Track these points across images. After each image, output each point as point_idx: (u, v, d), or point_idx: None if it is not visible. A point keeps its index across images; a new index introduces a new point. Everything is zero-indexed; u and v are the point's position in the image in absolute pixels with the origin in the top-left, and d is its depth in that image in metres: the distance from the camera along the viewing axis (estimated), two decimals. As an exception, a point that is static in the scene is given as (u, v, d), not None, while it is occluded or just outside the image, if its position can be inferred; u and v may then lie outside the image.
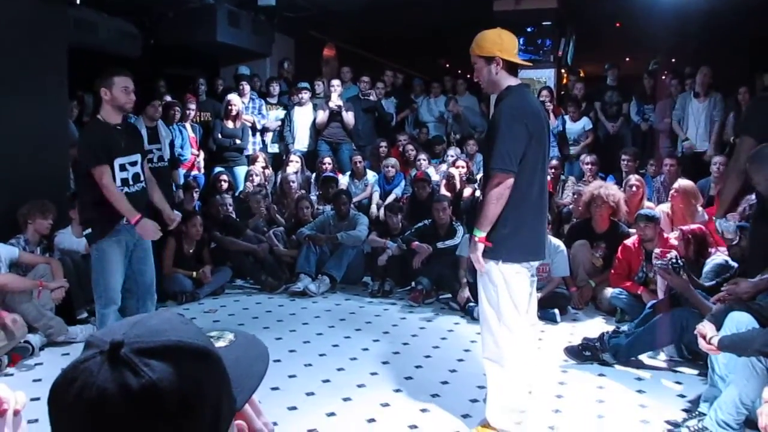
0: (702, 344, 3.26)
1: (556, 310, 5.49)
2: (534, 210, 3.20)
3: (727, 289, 3.81)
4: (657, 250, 4.86)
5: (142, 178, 4.19)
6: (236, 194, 7.80)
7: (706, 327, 3.28)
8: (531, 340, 3.43)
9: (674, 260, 4.51)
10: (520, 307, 3.21)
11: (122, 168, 4.05)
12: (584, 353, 4.44)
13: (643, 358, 4.47)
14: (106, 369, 0.74)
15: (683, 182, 6.14)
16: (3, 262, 4.73)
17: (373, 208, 7.85)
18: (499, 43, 3.17)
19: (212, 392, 0.80)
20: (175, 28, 8.30)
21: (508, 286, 3.18)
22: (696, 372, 4.23)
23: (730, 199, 4.44)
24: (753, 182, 3.95)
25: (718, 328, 3.28)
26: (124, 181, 4.06)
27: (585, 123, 8.35)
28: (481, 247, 3.15)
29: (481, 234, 3.15)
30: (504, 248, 3.16)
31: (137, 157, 4.16)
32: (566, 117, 8.35)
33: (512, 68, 3.23)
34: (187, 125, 8.00)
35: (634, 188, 6.44)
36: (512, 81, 3.22)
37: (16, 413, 0.84)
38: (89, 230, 4.10)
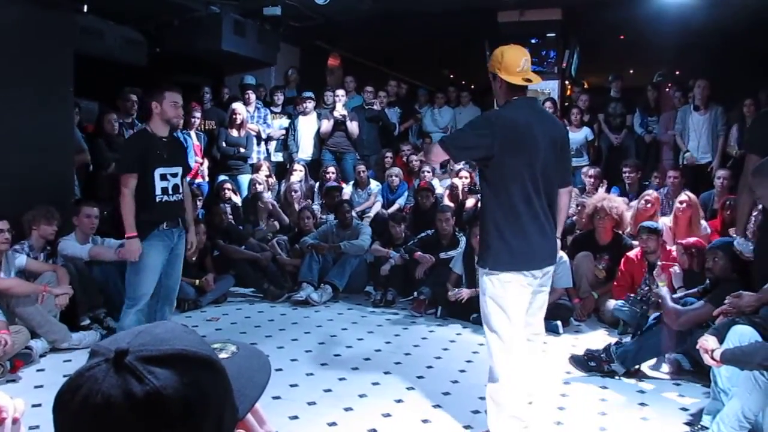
0: (705, 358, 3.26)
1: (559, 322, 5.48)
2: (522, 219, 3.16)
3: (730, 302, 3.80)
4: (660, 263, 4.88)
5: (180, 190, 4.44)
6: (240, 203, 7.83)
7: (708, 340, 3.27)
8: (529, 350, 3.41)
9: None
10: (512, 317, 3.18)
11: (163, 177, 4.30)
12: (589, 363, 4.44)
13: (646, 370, 4.46)
14: (111, 376, 0.75)
15: (692, 195, 6.14)
16: (12, 269, 4.75)
17: (371, 214, 7.83)
18: (500, 61, 3.24)
19: (215, 401, 0.81)
20: (181, 37, 8.33)
21: (497, 296, 3.18)
22: (698, 385, 4.21)
23: (745, 217, 4.44)
24: (756, 196, 3.95)
25: (721, 341, 3.28)
26: (164, 190, 4.32)
27: (587, 133, 8.37)
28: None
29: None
30: (490, 257, 3.19)
31: (179, 169, 4.43)
32: (568, 128, 8.35)
33: (515, 86, 3.26)
34: (192, 133, 8.02)
35: (649, 204, 6.37)
36: (514, 96, 3.28)
37: (15, 421, 0.85)
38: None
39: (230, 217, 7.28)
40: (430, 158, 3.58)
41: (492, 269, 3.18)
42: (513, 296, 3.19)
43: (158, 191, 4.27)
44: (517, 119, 3.19)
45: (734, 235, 4.45)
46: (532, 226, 3.19)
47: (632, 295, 5.19)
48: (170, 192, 4.34)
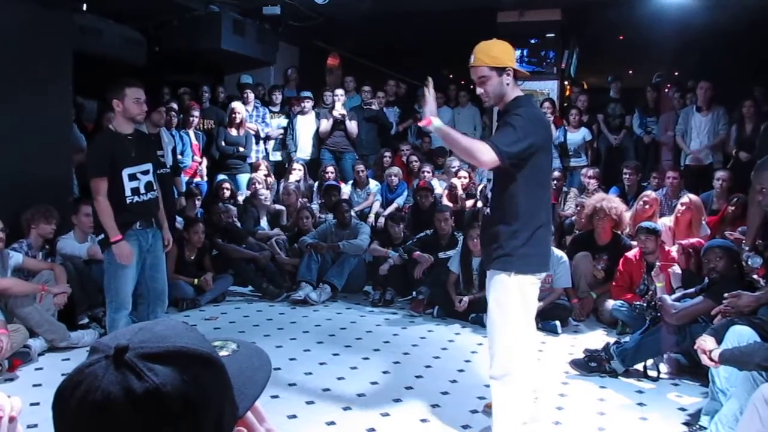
0: (703, 358, 3.26)
1: (557, 322, 5.48)
2: (543, 221, 3.18)
3: (728, 302, 3.81)
4: (658, 264, 4.89)
5: (155, 187, 4.26)
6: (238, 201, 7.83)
7: (706, 341, 3.28)
8: (534, 351, 3.48)
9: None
10: (531, 319, 3.21)
11: (132, 177, 4.12)
12: (590, 364, 4.44)
13: (646, 369, 4.46)
14: (111, 373, 0.75)
15: (694, 197, 6.14)
16: (8, 268, 4.74)
17: (371, 217, 7.82)
18: (509, 53, 3.16)
19: (215, 398, 0.81)
20: (181, 36, 8.32)
21: (523, 299, 3.15)
22: (697, 385, 4.21)
23: (756, 228, 4.44)
24: (756, 191, 3.91)
25: (719, 342, 3.28)
26: (135, 191, 4.13)
27: (585, 134, 8.36)
28: (428, 121, 3.09)
29: (438, 124, 3.09)
30: (518, 260, 3.11)
31: (149, 166, 4.23)
32: (567, 128, 8.36)
33: (516, 79, 3.20)
34: (190, 132, 8.03)
35: (647, 206, 6.36)
36: (519, 91, 3.19)
37: (12, 420, 0.84)
38: (102, 236, 4.12)
39: (235, 217, 7.29)
40: (466, 150, 3.08)
41: (519, 272, 3.11)
42: (533, 298, 3.21)
43: (128, 192, 4.10)
44: (544, 119, 3.18)
45: (743, 246, 4.45)
46: (548, 228, 3.24)
47: (638, 303, 5.19)
48: (142, 191, 4.16)
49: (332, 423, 3.65)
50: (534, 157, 3.05)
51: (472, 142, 3.14)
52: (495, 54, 3.13)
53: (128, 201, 4.11)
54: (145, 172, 4.19)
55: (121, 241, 4.04)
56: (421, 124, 3.16)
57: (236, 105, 8.40)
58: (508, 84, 3.13)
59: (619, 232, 6.16)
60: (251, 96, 8.83)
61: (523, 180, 3.08)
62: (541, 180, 3.14)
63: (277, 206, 7.83)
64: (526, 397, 3.23)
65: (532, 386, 3.31)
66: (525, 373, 3.21)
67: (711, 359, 3.19)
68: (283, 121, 9.06)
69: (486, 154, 2.98)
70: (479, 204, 7.03)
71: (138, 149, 4.18)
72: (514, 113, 3.07)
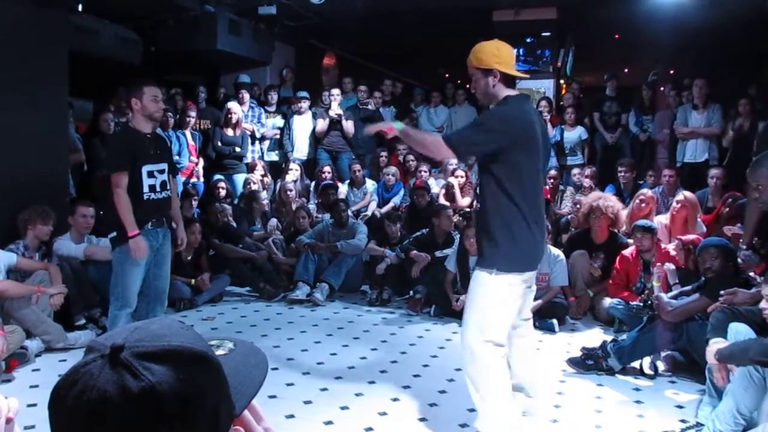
0: (710, 360, 3.31)
1: (555, 320, 5.49)
2: (526, 220, 3.10)
3: (724, 299, 3.82)
4: (658, 265, 4.90)
5: (168, 187, 4.36)
6: (234, 202, 7.82)
7: (717, 343, 3.32)
8: (529, 346, 3.50)
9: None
10: (510, 320, 3.15)
11: (150, 175, 4.21)
12: (587, 362, 4.44)
13: (643, 367, 4.47)
14: (107, 372, 0.75)
15: (689, 194, 6.15)
16: (2, 268, 4.72)
17: (368, 213, 7.81)
18: (497, 55, 3.14)
19: (211, 397, 0.81)
20: (176, 36, 8.32)
21: (503, 299, 3.09)
22: (694, 382, 4.22)
23: (753, 226, 4.46)
24: (752, 188, 3.92)
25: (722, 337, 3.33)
26: (152, 188, 4.22)
27: (581, 132, 8.37)
28: (389, 126, 3.38)
29: (400, 126, 3.34)
30: (497, 259, 3.08)
31: (165, 165, 4.33)
32: (563, 126, 8.36)
33: (510, 80, 3.20)
34: (187, 133, 8.02)
35: (644, 204, 6.39)
36: (510, 92, 3.18)
37: (9, 421, 0.84)
38: (114, 233, 4.18)
39: (230, 216, 7.28)
40: (425, 147, 3.32)
41: (501, 270, 3.07)
42: (515, 298, 3.15)
43: (146, 189, 4.18)
44: (530, 119, 3.16)
45: (740, 243, 4.47)
46: (535, 226, 3.15)
47: (634, 303, 5.20)
48: (158, 189, 4.25)
49: (330, 422, 3.65)
50: (507, 155, 3.03)
51: (424, 138, 3.41)
52: (480, 55, 3.17)
53: (145, 198, 4.18)
54: (162, 171, 4.29)
55: (138, 236, 4.10)
56: (388, 135, 3.49)
57: (232, 105, 8.40)
58: (494, 86, 3.15)
59: (616, 231, 6.17)
60: (246, 96, 8.82)
61: (501, 178, 3.07)
62: (520, 178, 3.07)
63: (273, 220, 7.73)
64: (504, 397, 3.16)
65: (519, 386, 3.32)
66: (498, 377, 3.13)
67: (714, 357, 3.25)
68: (279, 121, 9.05)
69: (440, 147, 3.15)
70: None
71: (156, 148, 4.29)
72: (487, 112, 3.25)
